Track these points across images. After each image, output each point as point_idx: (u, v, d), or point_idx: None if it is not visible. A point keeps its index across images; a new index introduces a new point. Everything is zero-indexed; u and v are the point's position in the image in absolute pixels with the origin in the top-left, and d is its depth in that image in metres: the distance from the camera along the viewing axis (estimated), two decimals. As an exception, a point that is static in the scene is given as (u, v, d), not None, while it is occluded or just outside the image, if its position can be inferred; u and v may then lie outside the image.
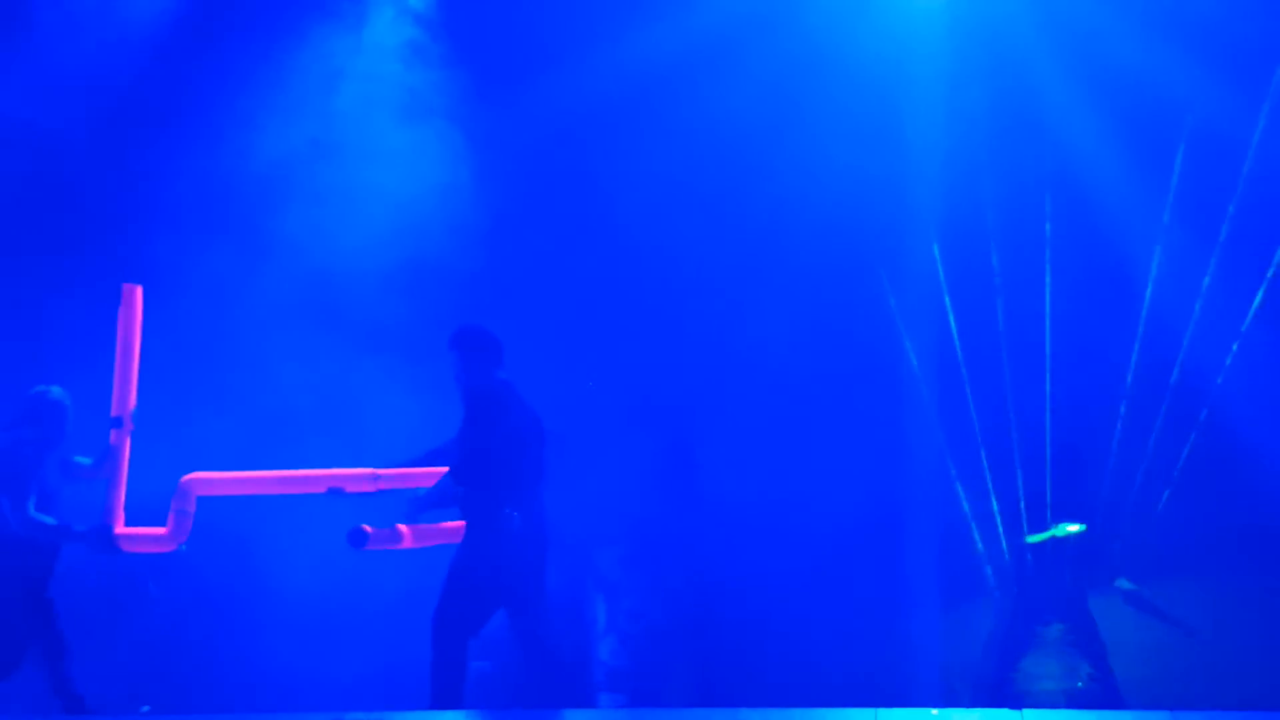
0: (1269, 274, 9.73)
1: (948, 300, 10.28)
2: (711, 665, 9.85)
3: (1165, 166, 9.95)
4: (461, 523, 7.50)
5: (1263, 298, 9.75)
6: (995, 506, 10.01)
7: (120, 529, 7.67)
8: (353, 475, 7.68)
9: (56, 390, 7.79)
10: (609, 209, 10.34)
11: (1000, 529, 9.84)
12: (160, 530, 7.71)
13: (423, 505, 7.52)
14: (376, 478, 7.66)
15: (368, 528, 7.32)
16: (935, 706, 9.31)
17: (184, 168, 10.12)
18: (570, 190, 10.41)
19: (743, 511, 10.16)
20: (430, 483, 7.45)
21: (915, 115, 10.23)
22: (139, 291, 7.85)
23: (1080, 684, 9.35)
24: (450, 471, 7.33)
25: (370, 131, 10.16)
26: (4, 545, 7.52)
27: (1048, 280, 9.98)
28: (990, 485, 10.04)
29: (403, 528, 7.38)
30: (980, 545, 9.99)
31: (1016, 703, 9.30)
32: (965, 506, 10.14)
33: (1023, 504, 9.67)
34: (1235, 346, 9.76)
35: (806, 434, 10.13)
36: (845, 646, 9.81)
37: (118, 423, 7.73)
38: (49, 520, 7.58)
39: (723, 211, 10.27)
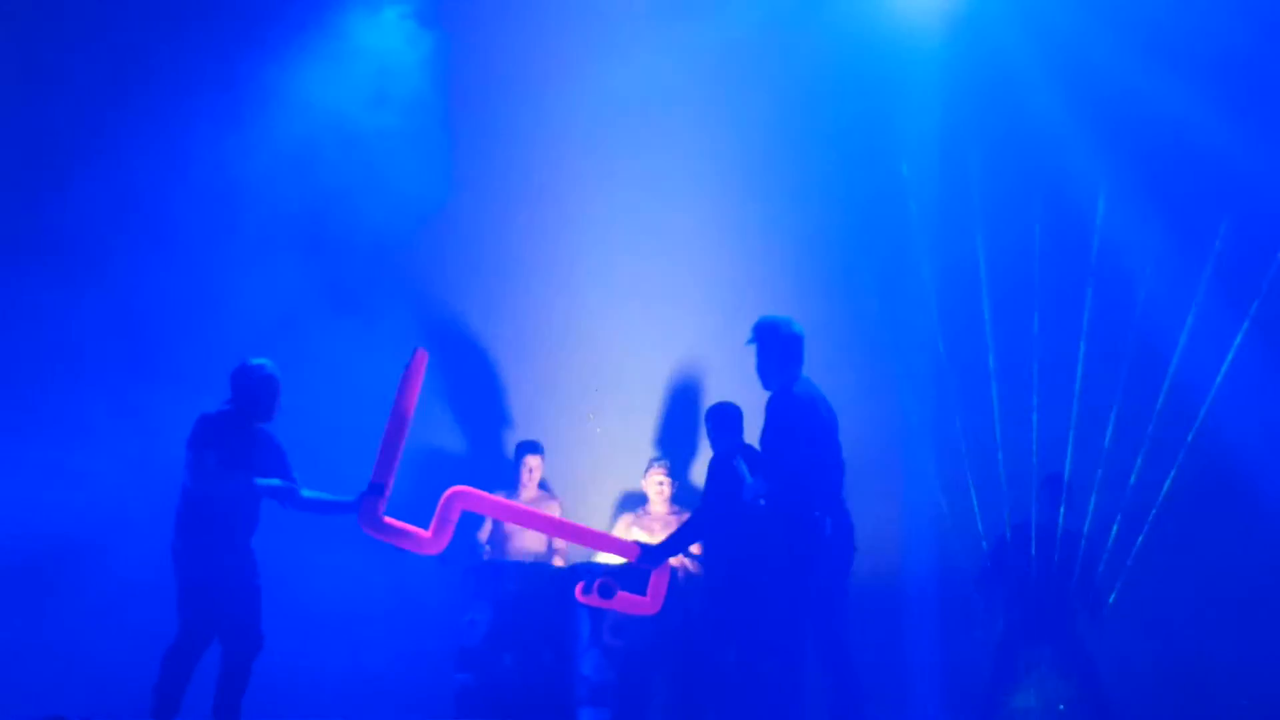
0: (1262, 291, 9.81)
1: (938, 320, 10.31)
2: (695, 681, 9.75)
3: (1159, 184, 10.04)
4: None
5: (1255, 314, 9.81)
6: (980, 528, 9.99)
7: (383, 517, 7.66)
8: (625, 544, 8.28)
9: (268, 364, 7.80)
10: (581, 219, 10.41)
11: (987, 551, 9.81)
12: (423, 532, 7.73)
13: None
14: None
15: (614, 585, 8.10)
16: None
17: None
18: (556, 197, 10.43)
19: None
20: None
21: (909, 134, 10.30)
22: (425, 357, 7.76)
23: (1062, 707, 9.32)
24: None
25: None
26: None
27: (1037, 296, 10.03)
28: (976, 505, 10.03)
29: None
30: (968, 567, 9.95)
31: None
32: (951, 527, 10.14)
33: (1008, 527, 9.64)
34: (1226, 363, 9.81)
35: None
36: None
37: (378, 490, 7.63)
38: (325, 495, 7.73)
39: (717, 227, 10.30)
